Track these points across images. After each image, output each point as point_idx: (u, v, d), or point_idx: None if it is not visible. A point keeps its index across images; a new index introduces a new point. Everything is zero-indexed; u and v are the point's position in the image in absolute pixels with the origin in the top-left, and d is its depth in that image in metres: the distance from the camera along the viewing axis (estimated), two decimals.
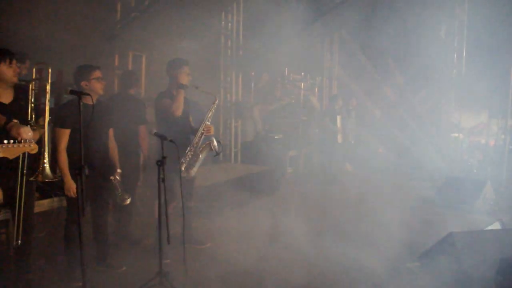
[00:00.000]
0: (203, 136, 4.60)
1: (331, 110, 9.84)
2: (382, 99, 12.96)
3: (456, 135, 14.14)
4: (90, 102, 3.48)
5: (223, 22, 9.27)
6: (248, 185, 7.17)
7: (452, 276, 3.69)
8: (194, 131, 4.63)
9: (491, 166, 10.36)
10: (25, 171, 3.42)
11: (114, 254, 4.44)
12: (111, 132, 4.17)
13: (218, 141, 4.55)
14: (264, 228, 5.64)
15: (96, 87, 3.88)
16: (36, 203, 4.03)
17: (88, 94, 3.26)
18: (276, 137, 9.83)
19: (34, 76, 3.53)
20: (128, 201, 4.13)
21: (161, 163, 3.45)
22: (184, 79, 4.50)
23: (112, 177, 4.10)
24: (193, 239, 4.93)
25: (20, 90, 3.49)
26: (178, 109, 4.45)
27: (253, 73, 10.09)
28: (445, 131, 13.78)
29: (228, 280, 4.14)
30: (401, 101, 13.37)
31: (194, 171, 4.55)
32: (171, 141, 3.70)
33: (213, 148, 4.49)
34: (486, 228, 4.62)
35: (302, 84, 10.86)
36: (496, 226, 4.90)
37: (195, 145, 4.57)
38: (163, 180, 3.49)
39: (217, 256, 4.74)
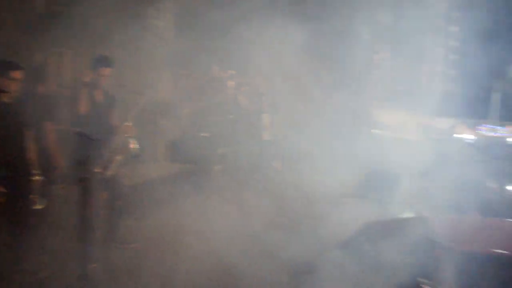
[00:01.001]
0: (125, 136, 4.55)
1: (259, 108, 9.98)
2: (309, 98, 13.29)
3: (378, 131, 14.78)
4: (7, 100, 3.35)
5: (152, 18, 9.13)
6: (175, 184, 7.15)
7: (370, 264, 3.90)
8: (114, 131, 4.57)
9: (409, 160, 10.97)
10: None
11: (32, 259, 4.28)
12: (27, 131, 4.03)
13: (137, 143, 4.51)
14: (193, 226, 5.66)
15: (12, 86, 3.73)
16: None
17: (7, 91, 3.14)
18: (204, 135, 9.84)
19: None
20: (41, 206, 3.98)
21: (80, 162, 3.39)
22: (99, 79, 4.41)
23: (31, 179, 3.95)
24: (120, 239, 4.87)
25: None
26: (81, 108, 4.37)
27: (182, 71, 10.03)
28: (368, 128, 14.39)
29: (158, 281, 4.12)
30: (328, 99, 13.79)
31: (113, 170, 4.49)
32: (90, 139, 3.63)
33: (130, 150, 4.45)
34: (401, 217, 4.92)
35: (231, 82, 10.93)
36: (410, 214, 5.24)
37: (113, 145, 4.51)
38: (83, 180, 3.43)
39: (146, 256, 4.71)
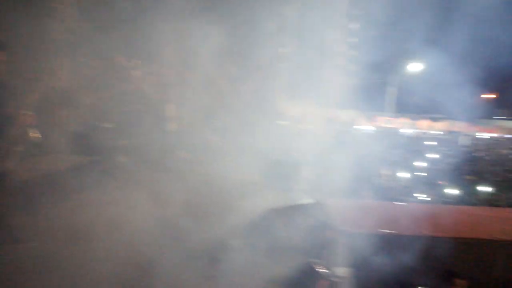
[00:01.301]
0: (23, 126, 4.35)
1: (165, 98, 9.89)
2: (216, 89, 13.36)
3: (284, 122, 15.22)
4: None
5: (52, 1, 8.65)
6: (77, 177, 6.90)
7: (268, 248, 4.10)
8: (11, 120, 4.35)
9: (311, 150, 11.49)
10: None
11: None
12: None
13: (37, 133, 4.34)
14: (93, 222, 5.51)
15: None
16: None
17: None
18: (107, 126, 9.57)
19: None
20: None
21: None
22: None
23: None
24: (11, 237, 4.64)
25: None
26: None
27: (84, 58, 9.63)
28: (273, 119, 14.78)
29: (52, 280, 3.99)
30: (233, 90, 13.94)
31: (10, 163, 4.29)
32: None
33: (30, 140, 4.28)
34: (299, 203, 5.19)
35: (136, 71, 10.69)
36: (309, 200, 5.55)
37: (9, 136, 4.30)
38: None
39: (40, 255, 4.52)
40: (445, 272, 5.37)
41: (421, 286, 4.98)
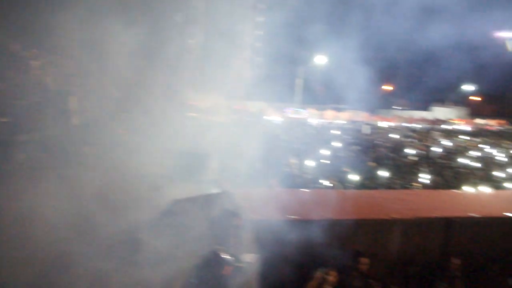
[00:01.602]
0: None
1: (68, 90, 9.45)
2: (124, 81, 12.98)
3: (193, 114, 15.14)
4: None
5: None
6: None
7: (175, 238, 4.10)
8: None
9: (221, 141, 11.56)
10: None
11: None
12: None
13: None
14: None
15: None
16: None
17: None
18: (1, 120, 8.95)
19: None
20: None
21: None
22: None
23: None
24: None
25: None
26: None
27: None
28: (183, 111, 14.65)
29: None
30: (141, 83, 13.63)
31: None
32: None
33: None
34: (207, 193, 5.23)
35: (34, 61, 10.09)
36: (217, 191, 5.61)
37: None
38: None
39: None
40: (351, 252, 5.69)
41: (328, 267, 5.23)
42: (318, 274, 4.46)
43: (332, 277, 5.10)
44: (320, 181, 11.22)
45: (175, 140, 11.70)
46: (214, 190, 5.46)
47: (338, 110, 44.71)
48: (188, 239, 3.82)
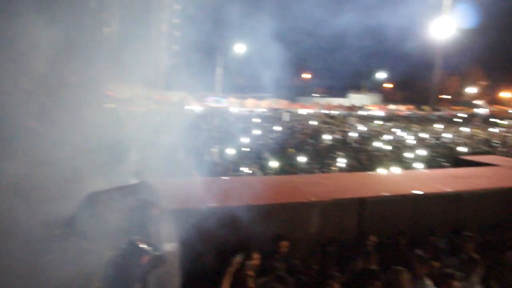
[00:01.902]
0: None
1: None
2: (32, 71, 12.33)
3: (110, 105, 14.67)
4: None
5: None
6: None
7: (91, 232, 3.99)
8: None
9: (141, 132, 11.32)
10: None
11: None
12: None
13: None
14: None
15: None
16: None
17: None
18: None
19: None
20: None
21: None
22: None
23: None
24: None
25: None
26: None
27: None
28: (99, 102, 14.18)
29: None
30: (53, 72, 13.01)
31: None
32: None
33: None
34: (125, 185, 5.13)
35: None
36: (136, 182, 5.51)
37: None
38: None
39: None
40: (272, 236, 5.83)
41: (250, 251, 5.32)
42: (237, 259, 4.53)
43: (254, 260, 5.22)
44: (241, 168, 11.38)
45: (93, 132, 11.30)
46: (133, 182, 5.37)
47: (259, 98, 45.29)
48: (105, 231, 3.75)
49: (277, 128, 24.40)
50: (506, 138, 31.13)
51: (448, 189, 7.93)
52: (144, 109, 14.66)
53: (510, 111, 62.59)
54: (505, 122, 45.62)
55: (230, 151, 12.97)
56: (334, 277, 5.15)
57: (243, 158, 12.82)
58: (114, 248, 3.46)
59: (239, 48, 42.77)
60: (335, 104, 52.15)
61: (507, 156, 19.11)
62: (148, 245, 3.21)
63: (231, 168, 11.44)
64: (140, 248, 3.15)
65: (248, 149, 14.52)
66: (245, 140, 16.04)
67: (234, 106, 38.67)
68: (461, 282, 5.37)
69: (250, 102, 43.74)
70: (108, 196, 4.38)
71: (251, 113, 34.45)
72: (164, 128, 10.89)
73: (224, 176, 9.64)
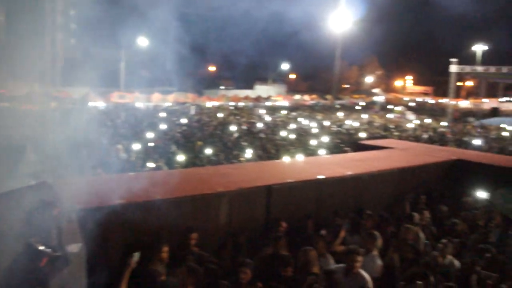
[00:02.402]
0: None
1: None
2: None
3: (5, 104, 13.85)
4: None
5: None
6: None
7: None
8: None
9: (39, 131, 10.75)
10: None
11: None
12: None
13: None
14: None
15: None
16: None
17: None
18: None
19: None
20: None
21: None
22: None
23: None
24: None
25: None
26: None
27: None
28: None
29: None
30: None
31: None
32: None
33: None
34: (24, 186, 4.86)
35: None
36: (35, 183, 5.23)
37: None
38: None
39: None
40: (183, 229, 5.82)
41: (160, 245, 5.29)
42: (134, 258, 4.45)
43: (164, 253, 5.21)
44: (148, 164, 11.18)
45: None
46: (32, 183, 5.10)
47: (165, 92, 44.57)
48: (3, 235, 3.54)
49: (184, 121, 24.23)
50: (400, 123, 33.49)
51: (349, 172, 8.40)
52: (42, 107, 13.90)
53: (405, 98, 67.29)
54: (399, 108, 49.00)
55: (136, 147, 12.68)
56: (246, 264, 5.26)
57: (149, 153, 12.59)
58: (12, 252, 3.28)
59: (143, 41, 41.66)
60: (242, 96, 52.77)
61: (401, 139, 20.62)
62: (48, 246, 3.08)
63: (137, 164, 11.19)
64: (38, 250, 3.01)
65: (155, 144, 14.28)
66: (151, 135, 15.76)
67: (139, 101, 37.71)
68: (364, 256, 5.75)
69: (156, 97, 42.94)
70: (4, 198, 4.13)
71: (157, 108, 33.82)
72: (65, 126, 10.42)
73: (130, 172, 9.43)
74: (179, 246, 5.79)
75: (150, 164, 11.09)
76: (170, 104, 38.79)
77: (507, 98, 65.65)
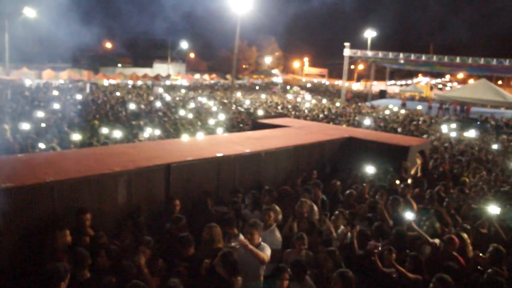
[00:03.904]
0: None
1: None
2: None
3: None
4: None
5: None
6: None
7: None
8: None
9: None
10: None
11: None
12: None
13: None
14: None
15: None
16: None
17: None
18: None
19: None
20: None
21: None
22: None
23: None
24: None
25: None
26: None
27: None
28: None
29: None
30: None
31: None
32: None
33: None
34: None
35: None
36: None
37: None
38: None
39: None
40: (75, 210, 5.60)
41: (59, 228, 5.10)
42: None
43: (63, 237, 5.06)
44: (40, 144, 10.48)
45: None
46: None
47: (57, 69, 41.97)
48: None
49: (79, 100, 22.99)
50: (296, 103, 34.70)
51: (247, 150, 8.56)
52: None
53: (303, 79, 69.65)
54: (295, 89, 50.74)
55: (26, 127, 11.80)
56: (145, 243, 5.21)
57: (41, 134, 11.79)
58: None
59: (29, 12, 38.44)
60: (140, 74, 51.35)
61: (297, 118, 21.41)
62: None
63: (28, 145, 10.42)
64: None
65: (46, 125, 13.40)
66: (42, 114, 14.76)
67: (28, 77, 35.08)
68: (263, 231, 5.96)
69: (48, 74, 40.27)
70: None
71: (48, 86, 31.70)
72: None
73: (20, 154, 8.78)
74: (76, 229, 5.59)
75: (42, 145, 10.37)
76: (62, 82, 36.58)
77: (393, 82, 70.84)
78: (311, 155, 10.11)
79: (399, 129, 21.57)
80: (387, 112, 31.18)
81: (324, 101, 38.93)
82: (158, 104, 24.08)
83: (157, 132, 14.14)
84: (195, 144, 9.55)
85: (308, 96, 43.22)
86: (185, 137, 11.73)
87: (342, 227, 6.76)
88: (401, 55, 41.54)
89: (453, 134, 21.15)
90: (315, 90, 55.11)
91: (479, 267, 5.94)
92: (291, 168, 9.43)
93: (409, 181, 9.34)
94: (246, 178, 8.35)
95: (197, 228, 6.03)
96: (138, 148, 8.82)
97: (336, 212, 6.93)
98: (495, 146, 17.81)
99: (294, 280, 5.01)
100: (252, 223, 5.64)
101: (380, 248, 5.64)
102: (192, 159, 7.41)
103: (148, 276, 4.89)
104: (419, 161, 10.17)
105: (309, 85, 59.62)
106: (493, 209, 7.15)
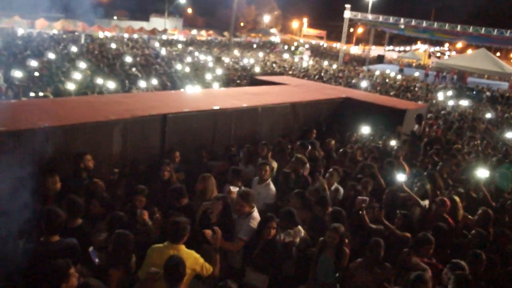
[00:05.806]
0: None
1: None
2: None
3: None
4: None
5: None
6: None
7: None
8: None
9: None
10: None
11: None
12: None
13: None
14: None
15: None
16: None
17: None
18: None
19: None
20: None
21: None
22: None
23: None
24: None
25: None
26: None
27: None
28: None
29: None
30: None
31: None
32: None
33: None
34: None
35: None
36: None
37: None
38: None
39: None
40: (75, 154, 5.59)
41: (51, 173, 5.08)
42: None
43: (57, 183, 5.06)
44: (32, 93, 10.32)
45: None
46: None
47: (51, 19, 40.99)
48: None
49: (74, 50, 22.55)
50: (293, 62, 34.40)
51: (244, 104, 8.51)
52: None
53: (300, 40, 68.70)
54: (302, 49, 50.13)
55: (18, 75, 11.57)
56: (140, 192, 5.22)
57: (34, 81, 11.59)
58: None
59: None
60: (137, 28, 50.42)
61: (294, 76, 21.26)
62: None
63: (20, 91, 10.24)
64: None
65: (40, 74, 13.15)
66: (35, 63, 14.46)
67: (20, 26, 34.23)
68: (259, 184, 6.02)
69: (41, 23, 39.36)
70: None
71: (41, 35, 30.99)
72: None
73: (14, 99, 8.66)
74: (73, 174, 5.59)
75: (35, 93, 10.21)
76: (56, 32, 35.80)
77: (391, 47, 70.12)
78: (307, 113, 10.07)
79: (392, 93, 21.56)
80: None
81: (326, 63, 38.44)
82: (155, 57, 23.78)
83: (154, 84, 13.95)
84: (192, 97, 9.48)
85: (306, 57, 42.74)
86: (182, 90, 11.61)
87: (335, 184, 6.79)
88: (402, 20, 40.92)
89: (451, 103, 21.09)
90: (314, 51, 54.43)
91: (466, 230, 6.07)
92: (287, 125, 9.41)
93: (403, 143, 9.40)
94: (242, 133, 8.33)
95: (191, 179, 6.06)
96: (134, 98, 8.73)
97: (331, 170, 6.94)
98: (488, 115, 17.80)
99: (285, 230, 5.05)
100: (242, 194, 5.15)
101: (367, 203, 5.72)
102: (188, 111, 7.35)
103: (153, 228, 4.90)
104: (416, 125, 10.20)
105: (307, 46, 58.81)
106: (482, 173, 7.25)
